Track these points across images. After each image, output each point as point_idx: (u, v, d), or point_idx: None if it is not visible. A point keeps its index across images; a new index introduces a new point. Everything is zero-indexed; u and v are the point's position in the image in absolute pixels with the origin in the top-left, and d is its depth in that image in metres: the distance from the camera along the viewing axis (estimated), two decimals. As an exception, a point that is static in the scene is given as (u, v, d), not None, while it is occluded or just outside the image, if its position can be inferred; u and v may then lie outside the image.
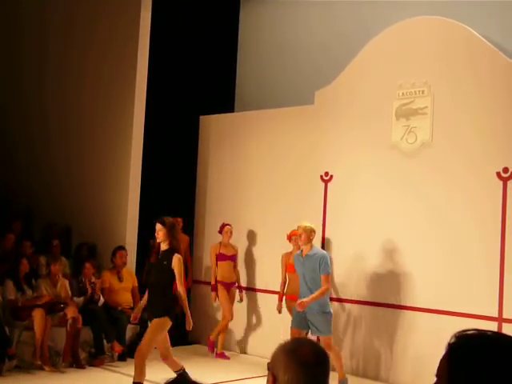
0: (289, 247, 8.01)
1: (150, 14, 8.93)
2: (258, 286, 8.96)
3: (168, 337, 6.30)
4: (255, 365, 8.06)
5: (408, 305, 7.52)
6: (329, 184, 8.35)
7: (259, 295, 8.95)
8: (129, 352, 8.00)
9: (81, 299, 7.96)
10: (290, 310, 7.64)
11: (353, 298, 8.01)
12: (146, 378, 6.80)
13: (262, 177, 9.05)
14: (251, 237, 9.05)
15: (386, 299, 7.72)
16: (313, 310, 6.81)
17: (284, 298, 7.98)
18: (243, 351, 9.05)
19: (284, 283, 7.95)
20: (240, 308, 8.76)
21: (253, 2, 10.23)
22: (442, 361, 1.52)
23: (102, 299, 8.06)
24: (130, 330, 8.24)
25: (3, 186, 9.65)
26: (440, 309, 7.22)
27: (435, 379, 1.54)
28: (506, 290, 6.80)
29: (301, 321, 6.87)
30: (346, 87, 8.29)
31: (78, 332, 7.53)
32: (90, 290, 7.97)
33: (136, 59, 8.79)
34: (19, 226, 8.89)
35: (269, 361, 1.92)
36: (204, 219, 9.67)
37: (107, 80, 9.21)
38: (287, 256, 7.90)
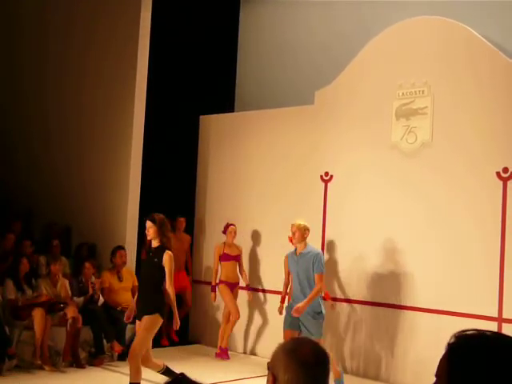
0: (290, 247, 8.00)
1: (150, 13, 8.92)
2: (258, 285, 8.95)
3: (151, 343, 6.23)
4: (255, 365, 8.06)
5: (408, 305, 7.52)
6: (329, 184, 8.35)
7: (259, 295, 8.94)
8: (128, 351, 8.00)
9: (81, 299, 7.96)
10: None
11: (353, 298, 8.01)
12: (146, 377, 6.80)
13: (261, 177, 9.05)
14: (251, 237, 9.05)
15: (387, 299, 7.72)
16: (304, 313, 6.71)
17: (287, 299, 7.93)
18: (244, 351, 9.04)
19: (286, 285, 7.84)
20: (240, 308, 8.75)
21: (253, 2, 10.23)
22: (441, 361, 1.52)
23: (101, 299, 8.06)
24: (129, 330, 8.23)
25: (3, 186, 9.65)
26: (440, 309, 7.22)
27: (435, 379, 1.54)
28: (506, 290, 6.80)
29: (293, 322, 6.77)
30: (345, 87, 8.29)
31: (77, 332, 7.53)
32: (91, 291, 7.96)
33: (136, 59, 8.79)
34: (19, 226, 8.89)
35: (269, 360, 1.93)
36: (204, 219, 9.67)
37: (107, 80, 9.21)
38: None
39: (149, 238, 6.09)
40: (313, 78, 8.98)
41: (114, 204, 8.94)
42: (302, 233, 6.84)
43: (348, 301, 8.06)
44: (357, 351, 7.96)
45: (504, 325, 6.73)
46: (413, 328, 7.46)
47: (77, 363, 7.50)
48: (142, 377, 6.77)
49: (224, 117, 9.74)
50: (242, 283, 8.71)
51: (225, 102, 10.03)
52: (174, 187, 9.49)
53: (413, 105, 7.65)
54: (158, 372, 6.20)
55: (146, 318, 5.96)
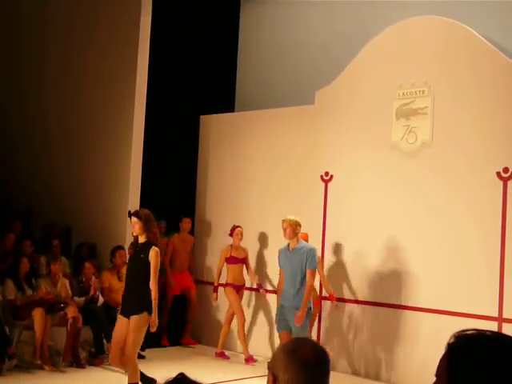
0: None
1: (150, 13, 8.92)
2: (253, 285, 8.95)
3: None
4: (255, 364, 8.06)
5: (408, 305, 7.52)
6: (329, 184, 8.35)
7: (260, 295, 8.93)
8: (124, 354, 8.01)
9: (81, 299, 7.96)
10: None
11: (353, 298, 8.01)
12: (146, 377, 6.80)
13: (261, 177, 9.05)
14: (251, 236, 9.04)
15: (387, 299, 7.71)
16: (291, 308, 6.60)
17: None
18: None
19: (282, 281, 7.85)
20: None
21: (253, 2, 10.24)
22: (441, 361, 1.52)
23: (101, 299, 8.06)
24: (130, 330, 8.24)
25: (3, 185, 9.65)
26: (440, 309, 7.22)
27: (435, 379, 1.54)
28: (506, 290, 6.81)
29: (286, 322, 6.70)
30: (346, 87, 8.29)
31: (78, 331, 7.53)
32: (93, 291, 7.96)
33: (136, 59, 8.79)
34: (19, 226, 8.89)
35: (269, 360, 1.93)
36: (204, 219, 9.67)
37: (107, 80, 9.21)
38: None
39: (135, 233, 5.95)
40: (313, 77, 8.98)
41: (113, 204, 8.94)
42: (293, 228, 6.69)
43: (348, 301, 8.05)
44: (357, 351, 7.96)
45: (504, 325, 6.73)
46: (413, 328, 7.46)
47: (77, 363, 7.50)
48: (142, 377, 6.76)
49: (224, 117, 9.74)
50: (248, 285, 8.70)
51: (225, 101, 10.03)
52: (174, 187, 9.49)
53: (413, 105, 7.65)
54: (126, 372, 5.99)
55: (134, 318, 5.80)
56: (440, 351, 1.54)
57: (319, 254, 8.05)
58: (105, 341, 7.80)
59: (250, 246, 8.92)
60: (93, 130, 9.35)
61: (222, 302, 8.75)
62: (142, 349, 8.28)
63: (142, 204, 8.84)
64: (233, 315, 8.48)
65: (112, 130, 9.10)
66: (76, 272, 8.38)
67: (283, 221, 6.78)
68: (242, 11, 10.35)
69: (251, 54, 10.15)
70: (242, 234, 8.53)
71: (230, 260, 8.49)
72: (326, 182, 8.37)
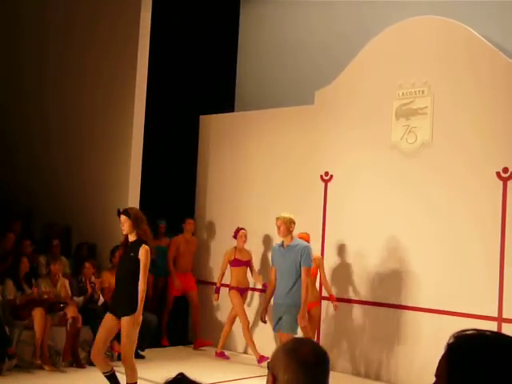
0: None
1: (150, 13, 8.92)
2: (257, 285, 8.95)
3: (111, 339, 6.06)
4: (255, 365, 8.06)
5: (408, 305, 7.52)
6: (329, 184, 8.35)
7: (259, 295, 8.94)
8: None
9: (81, 299, 7.96)
10: None
11: (353, 298, 8.01)
12: (146, 377, 6.81)
13: (261, 177, 9.05)
14: (251, 236, 9.03)
15: (387, 299, 7.71)
16: (283, 305, 6.54)
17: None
18: (244, 351, 9.04)
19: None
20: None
21: (253, 2, 10.24)
22: (441, 361, 1.52)
23: (101, 299, 8.06)
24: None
25: (3, 185, 9.65)
26: (440, 309, 7.22)
27: (434, 379, 1.54)
28: (506, 290, 6.81)
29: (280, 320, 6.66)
30: (345, 87, 8.29)
31: (77, 331, 7.53)
32: (90, 290, 7.97)
33: (136, 59, 8.79)
34: (19, 226, 8.89)
35: (269, 360, 1.93)
36: (204, 219, 9.67)
37: (107, 80, 9.22)
38: None
39: (124, 232, 5.84)
40: (313, 77, 8.98)
41: (113, 204, 8.92)
42: (287, 226, 6.59)
43: (348, 300, 8.05)
44: (357, 351, 7.95)
45: (504, 324, 6.73)
46: (413, 328, 7.46)
47: (77, 363, 7.50)
48: (142, 377, 6.77)
49: (224, 117, 9.74)
50: (251, 285, 8.68)
51: (225, 101, 10.04)
52: (174, 187, 9.50)
53: (413, 105, 7.65)
54: (103, 373, 5.90)
55: (126, 320, 5.72)
56: (440, 351, 1.54)
57: (319, 254, 8.07)
58: (105, 341, 7.79)
59: (250, 245, 8.91)
60: (93, 130, 9.35)
61: (224, 302, 8.74)
62: (142, 349, 8.30)
63: (142, 204, 8.84)
64: (235, 317, 8.45)
65: (112, 130, 9.10)
66: (76, 272, 8.37)
67: (277, 218, 6.69)
68: (242, 11, 10.35)
69: (251, 54, 10.16)
70: (245, 236, 8.45)
71: (234, 263, 8.44)
72: (326, 181, 8.37)
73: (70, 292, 7.97)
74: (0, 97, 10.37)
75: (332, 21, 9.18)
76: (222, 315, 9.03)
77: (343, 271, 8.11)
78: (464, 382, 1.45)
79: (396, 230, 7.64)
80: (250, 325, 8.49)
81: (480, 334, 1.50)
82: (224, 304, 8.78)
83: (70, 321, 7.43)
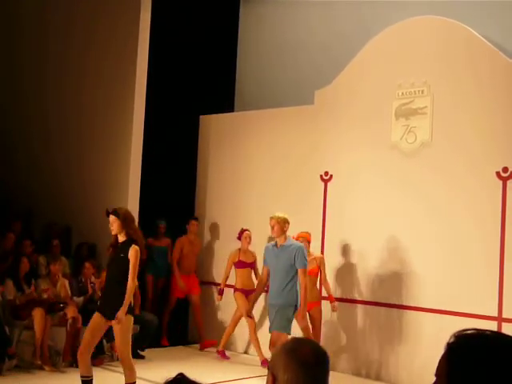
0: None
1: (150, 13, 8.92)
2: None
3: (99, 338, 5.99)
4: (255, 365, 8.06)
5: (408, 304, 7.52)
6: (328, 184, 8.35)
7: (264, 296, 8.92)
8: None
9: (81, 299, 7.96)
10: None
11: (352, 298, 8.01)
12: (146, 377, 6.81)
13: (261, 177, 9.05)
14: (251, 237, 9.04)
15: (387, 299, 7.71)
16: (275, 306, 6.45)
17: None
18: (245, 351, 9.03)
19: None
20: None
21: (253, 2, 10.23)
22: (441, 360, 1.52)
23: (101, 299, 8.07)
24: (129, 330, 8.24)
25: (3, 185, 9.65)
26: (440, 308, 7.22)
27: (434, 379, 1.54)
28: (506, 290, 6.81)
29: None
30: (345, 87, 8.29)
31: (77, 332, 7.53)
32: (90, 291, 7.97)
33: (136, 59, 8.79)
34: (19, 225, 8.89)
35: (269, 360, 1.93)
36: (204, 219, 9.67)
37: (107, 80, 9.21)
38: None
39: (113, 232, 5.76)
40: (313, 78, 8.98)
41: (113, 204, 8.89)
42: (281, 226, 6.49)
43: (348, 300, 8.05)
44: (357, 351, 7.95)
45: (504, 324, 6.73)
46: (413, 328, 7.46)
47: (77, 363, 7.47)
48: (142, 377, 6.77)
49: (224, 117, 9.74)
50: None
51: (225, 101, 10.03)
52: (174, 187, 9.49)
53: (412, 104, 7.65)
54: (81, 376, 5.79)
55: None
56: (440, 351, 1.54)
57: (320, 253, 8.06)
58: (104, 341, 7.79)
59: (250, 245, 8.91)
60: (93, 130, 9.35)
61: (227, 303, 8.72)
62: (142, 349, 8.30)
63: (142, 204, 8.85)
64: (239, 318, 8.37)
65: (112, 130, 9.10)
66: (76, 272, 8.37)
67: (271, 218, 6.58)
68: (242, 11, 10.35)
69: (251, 54, 10.15)
70: (250, 238, 8.36)
71: (238, 264, 8.37)
72: (326, 181, 8.37)
73: (69, 292, 7.97)
74: (0, 97, 10.37)
75: (332, 21, 9.18)
76: (224, 316, 9.02)
77: (343, 271, 8.11)
78: (464, 382, 1.45)
79: (396, 230, 7.64)
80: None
81: (480, 334, 1.50)
82: (227, 305, 8.77)
83: (69, 321, 7.43)
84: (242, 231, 8.45)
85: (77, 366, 7.38)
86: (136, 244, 5.71)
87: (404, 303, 7.56)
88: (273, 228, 6.54)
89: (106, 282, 6.04)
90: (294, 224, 7.81)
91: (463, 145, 7.24)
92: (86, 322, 7.64)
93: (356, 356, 7.96)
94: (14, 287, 7.52)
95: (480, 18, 7.54)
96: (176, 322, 9.41)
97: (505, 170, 6.95)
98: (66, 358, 7.48)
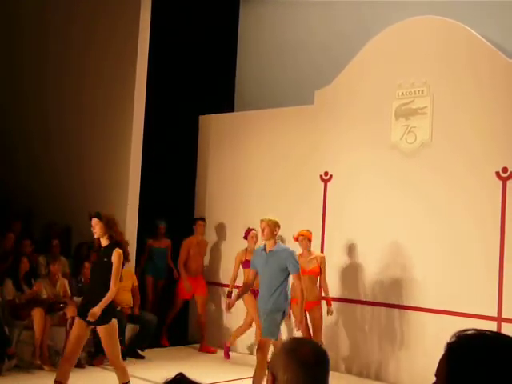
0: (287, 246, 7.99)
1: (150, 13, 8.93)
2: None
3: (83, 343, 5.85)
4: (255, 365, 8.05)
5: (408, 305, 7.52)
6: (328, 184, 8.35)
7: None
8: (128, 351, 8.00)
9: (80, 299, 7.95)
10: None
11: (352, 298, 8.01)
12: (146, 378, 6.82)
13: (261, 177, 9.05)
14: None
15: (387, 299, 7.71)
16: (265, 310, 6.35)
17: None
18: (251, 352, 9.00)
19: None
20: (241, 309, 8.73)
21: (253, 2, 10.23)
22: (441, 361, 1.52)
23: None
24: (129, 330, 8.24)
25: (3, 185, 9.65)
26: (440, 308, 7.22)
27: (434, 379, 1.54)
28: (506, 290, 6.81)
29: None
30: (345, 87, 8.29)
31: (77, 332, 7.52)
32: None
33: (135, 59, 8.79)
34: (19, 225, 8.89)
35: (269, 360, 1.93)
36: (204, 219, 9.65)
37: (107, 80, 9.22)
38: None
39: (96, 235, 5.66)
40: (313, 78, 8.98)
41: (113, 204, 8.94)
42: (271, 229, 6.28)
43: (348, 300, 8.05)
44: (357, 351, 7.95)
45: (503, 324, 6.73)
46: (413, 328, 7.46)
47: (76, 363, 7.48)
48: (142, 377, 6.78)
49: (224, 117, 9.74)
50: None
51: (224, 101, 10.03)
52: (174, 187, 9.49)
53: (412, 104, 7.65)
54: (55, 381, 5.66)
55: (102, 329, 5.61)
56: (439, 351, 1.54)
57: (320, 252, 8.04)
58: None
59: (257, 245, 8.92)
60: (93, 130, 9.35)
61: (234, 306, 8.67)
62: (142, 349, 8.31)
63: (142, 204, 8.85)
64: (251, 322, 8.25)
65: (112, 130, 9.10)
66: (75, 272, 8.37)
67: (261, 220, 6.41)
68: (242, 11, 10.35)
69: (251, 54, 10.15)
70: (257, 237, 8.24)
71: (245, 264, 8.23)
72: (326, 181, 8.37)
73: (69, 292, 7.97)
74: (0, 97, 10.37)
75: (332, 21, 9.18)
76: (224, 317, 9.02)
77: (343, 271, 8.11)
78: (464, 382, 1.45)
79: (396, 230, 7.64)
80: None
81: (480, 334, 1.50)
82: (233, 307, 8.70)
83: (69, 321, 7.42)
84: (249, 230, 8.38)
85: (76, 366, 7.40)
86: (120, 247, 5.64)
87: (404, 303, 7.56)
88: (263, 231, 6.36)
89: (88, 287, 5.96)
90: (294, 224, 7.84)
91: (463, 145, 7.24)
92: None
93: (356, 356, 7.96)
94: (14, 287, 7.51)
95: (480, 17, 7.54)
96: (176, 322, 9.40)
97: (504, 170, 6.95)
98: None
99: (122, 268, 5.76)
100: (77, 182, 9.45)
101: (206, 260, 9.52)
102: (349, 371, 7.93)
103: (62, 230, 9.17)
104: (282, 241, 8.42)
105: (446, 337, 1.54)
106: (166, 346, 8.97)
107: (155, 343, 8.70)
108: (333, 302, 7.75)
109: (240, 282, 8.37)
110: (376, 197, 7.83)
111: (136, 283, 8.53)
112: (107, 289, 5.58)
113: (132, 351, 8.15)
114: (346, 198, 8.12)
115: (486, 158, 7.07)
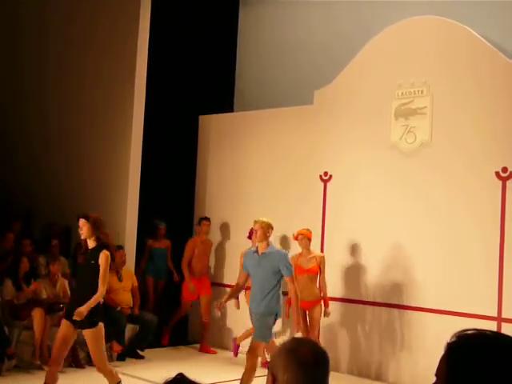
0: (287, 246, 7.99)
1: (150, 13, 8.92)
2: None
3: (70, 345, 5.79)
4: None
5: (408, 304, 7.52)
6: (328, 184, 8.35)
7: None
8: (128, 352, 8.00)
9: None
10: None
11: (352, 298, 8.01)
12: (146, 378, 6.82)
13: (261, 177, 9.05)
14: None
15: (387, 299, 7.71)
16: (257, 314, 6.26)
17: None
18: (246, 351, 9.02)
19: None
20: (241, 309, 8.74)
21: (253, 2, 10.23)
22: (441, 360, 1.52)
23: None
24: (129, 330, 8.24)
25: (3, 185, 9.65)
26: (440, 308, 7.22)
27: (435, 379, 1.54)
28: (506, 290, 6.81)
29: None
30: (345, 87, 8.29)
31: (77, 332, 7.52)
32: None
33: (135, 59, 8.79)
34: (19, 225, 8.88)
35: (269, 360, 1.93)
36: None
37: (107, 80, 9.21)
38: (295, 258, 7.45)
39: (83, 237, 5.62)
40: (313, 78, 8.98)
41: (113, 204, 8.94)
42: (264, 231, 6.18)
43: (348, 300, 8.05)
44: (357, 351, 7.95)
45: (503, 324, 6.73)
46: (413, 328, 7.46)
47: (76, 363, 7.49)
48: (142, 377, 6.79)
49: (224, 117, 9.73)
50: None
51: (224, 101, 10.03)
52: (174, 187, 9.49)
53: (412, 104, 7.65)
54: (44, 383, 5.66)
55: (89, 333, 5.54)
56: (439, 351, 1.54)
57: (321, 252, 8.04)
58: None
59: (249, 245, 8.90)
60: (93, 130, 9.35)
61: (229, 304, 8.67)
62: (142, 349, 8.30)
63: (142, 204, 8.85)
64: None
65: (112, 130, 9.10)
66: (75, 272, 8.35)
67: (255, 222, 6.30)
68: (242, 11, 10.34)
69: (250, 54, 10.15)
70: None
71: None
72: (326, 181, 8.37)
73: (69, 292, 7.96)
74: (0, 97, 10.37)
75: (332, 21, 9.17)
76: (231, 319, 9.01)
77: (343, 271, 8.11)
78: (464, 382, 1.45)
79: (396, 230, 7.64)
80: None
81: (480, 334, 1.50)
82: (229, 307, 8.72)
83: (69, 321, 7.42)
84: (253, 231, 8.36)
85: (76, 366, 7.45)
86: (107, 249, 5.60)
87: (404, 303, 7.56)
88: (256, 232, 6.28)
89: (75, 289, 5.89)
90: (294, 224, 7.84)
91: (463, 145, 7.24)
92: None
93: (356, 356, 7.96)
94: (14, 287, 7.51)
95: (480, 17, 7.54)
96: (176, 322, 9.39)
97: (504, 169, 6.95)
98: (66, 359, 7.46)
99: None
100: (77, 182, 9.45)
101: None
102: (349, 371, 7.93)
103: (62, 230, 9.16)
104: (286, 240, 8.46)
105: (446, 337, 1.53)
106: (165, 346, 8.96)
107: (155, 343, 8.70)
108: (333, 302, 7.74)
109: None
110: (376, 197, 7.83)
111: (136, 283, 8.53)
112: (95, 291, 5.53)
113: (132, 351, 8.15)
114: (346, 198, 8.12)
115: (485, 158, 7.07)
